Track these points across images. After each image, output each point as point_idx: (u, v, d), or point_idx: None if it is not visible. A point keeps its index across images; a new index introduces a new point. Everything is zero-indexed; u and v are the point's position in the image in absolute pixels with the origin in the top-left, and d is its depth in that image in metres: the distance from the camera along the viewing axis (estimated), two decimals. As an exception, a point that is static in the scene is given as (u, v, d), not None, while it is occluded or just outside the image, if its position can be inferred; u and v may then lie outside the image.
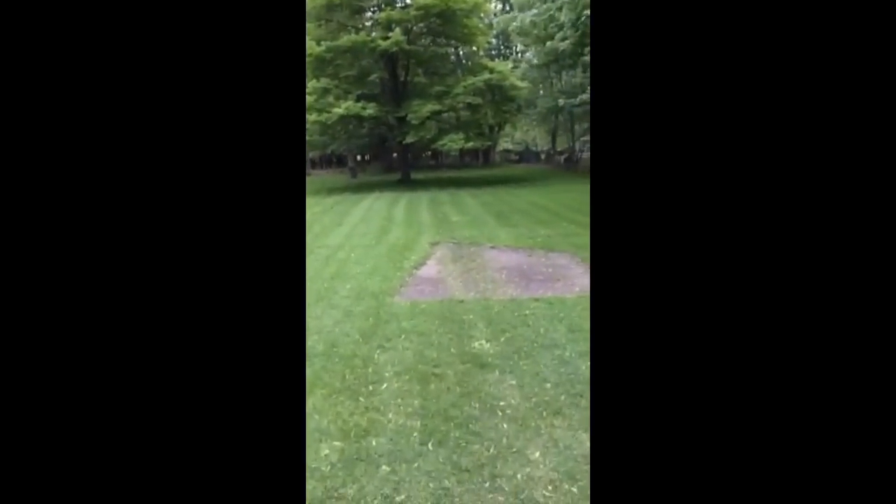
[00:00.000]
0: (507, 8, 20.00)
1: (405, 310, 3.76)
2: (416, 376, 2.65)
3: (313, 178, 23.67)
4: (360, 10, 15.58)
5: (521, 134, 28.93)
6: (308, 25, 14.82)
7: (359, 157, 33.78)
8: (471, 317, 3.55)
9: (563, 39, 11.47)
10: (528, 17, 12.63)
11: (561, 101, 17.21)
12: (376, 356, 2.93)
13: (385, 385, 2.57)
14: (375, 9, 15.67)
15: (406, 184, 16.44)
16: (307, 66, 14.27)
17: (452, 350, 2.99)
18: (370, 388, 2.55)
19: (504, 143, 30.77)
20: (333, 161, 30.46)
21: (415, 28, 15.56)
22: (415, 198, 12.26)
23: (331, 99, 13.95)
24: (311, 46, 13.71)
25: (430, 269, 5.13)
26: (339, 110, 13.47)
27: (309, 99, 13.81)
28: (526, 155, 30.35)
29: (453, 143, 15.04)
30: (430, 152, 29.78)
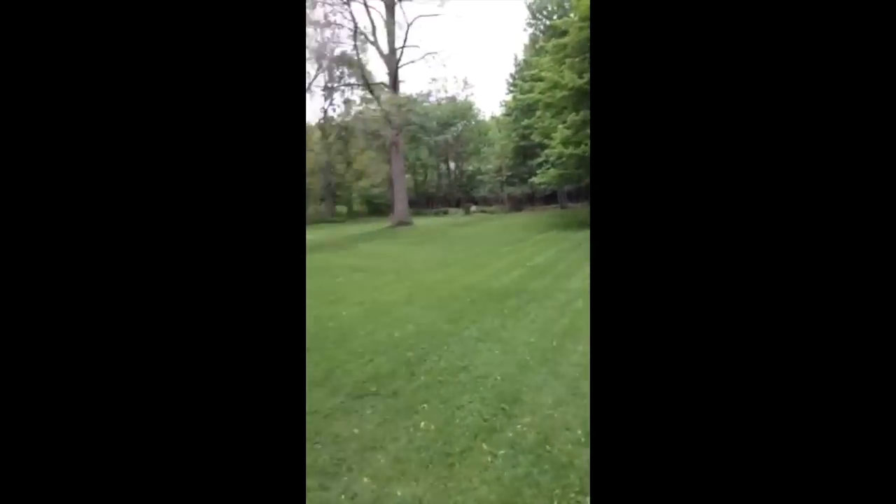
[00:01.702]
0: None
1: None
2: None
3: (566, 211, 23.38)
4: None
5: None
6: (573, 60, 14.78)
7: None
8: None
9: None
10: None
11: None
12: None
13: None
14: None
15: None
16: (568, 99, 14.18)
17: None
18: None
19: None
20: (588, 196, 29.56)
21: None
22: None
23: (587, 131, 13.36)
24: (574, 79, 13.52)
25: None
26: (597, 141, 12.77)
27: (567, 132, 13.59)
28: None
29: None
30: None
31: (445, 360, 3.67)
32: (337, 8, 18.08)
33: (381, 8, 17.46)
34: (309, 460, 2.24)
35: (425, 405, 2.89)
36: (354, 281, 7.39)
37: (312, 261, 9.89)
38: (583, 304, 4.99)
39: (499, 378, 3.23)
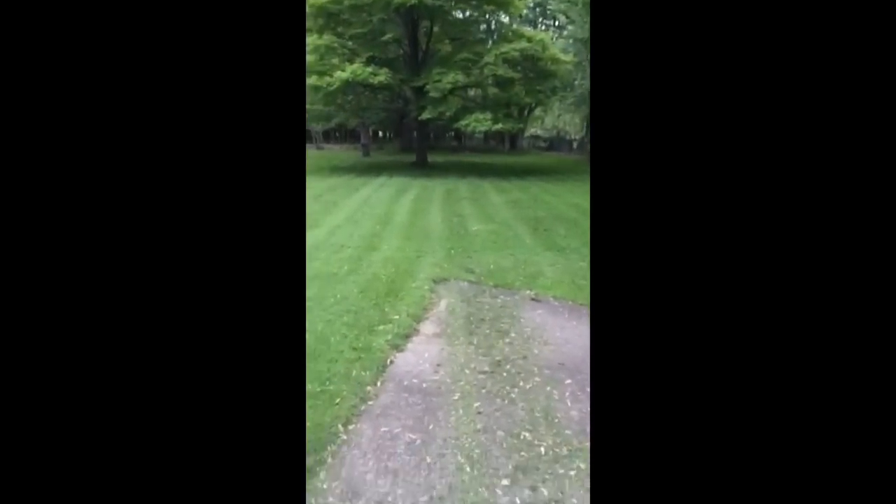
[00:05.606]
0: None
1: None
2: None
3: (320, 153, 21.39)
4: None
5: (553, 119, 26.07)
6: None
7: (380, 133, 31.28)
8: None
9: None
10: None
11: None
12: None
13: None
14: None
15: (421, 167, 14.11)
16: (308, 17, 11.92)
17: None
18: None
19: (533, 128, 27.96)
20: (358, 136, 27.81)
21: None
22: (428, 187, 9.97)
23: (335, 61, 11.57)
24: (317, -6, 11.31)
25: (421, 352, 2.88)
26: (343, 74, 11.09)
27: (309, 59, 11.47)
28: (556, 142, 27.48)
29: (479, 123, 12.42)
30: (453, 132, 27.39)
31: None
32: None
33: None
34: None
35: None
36: None
37: None
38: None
39: None
